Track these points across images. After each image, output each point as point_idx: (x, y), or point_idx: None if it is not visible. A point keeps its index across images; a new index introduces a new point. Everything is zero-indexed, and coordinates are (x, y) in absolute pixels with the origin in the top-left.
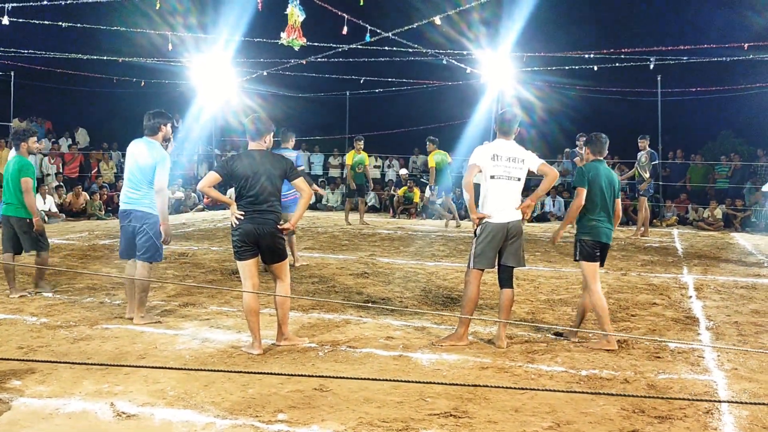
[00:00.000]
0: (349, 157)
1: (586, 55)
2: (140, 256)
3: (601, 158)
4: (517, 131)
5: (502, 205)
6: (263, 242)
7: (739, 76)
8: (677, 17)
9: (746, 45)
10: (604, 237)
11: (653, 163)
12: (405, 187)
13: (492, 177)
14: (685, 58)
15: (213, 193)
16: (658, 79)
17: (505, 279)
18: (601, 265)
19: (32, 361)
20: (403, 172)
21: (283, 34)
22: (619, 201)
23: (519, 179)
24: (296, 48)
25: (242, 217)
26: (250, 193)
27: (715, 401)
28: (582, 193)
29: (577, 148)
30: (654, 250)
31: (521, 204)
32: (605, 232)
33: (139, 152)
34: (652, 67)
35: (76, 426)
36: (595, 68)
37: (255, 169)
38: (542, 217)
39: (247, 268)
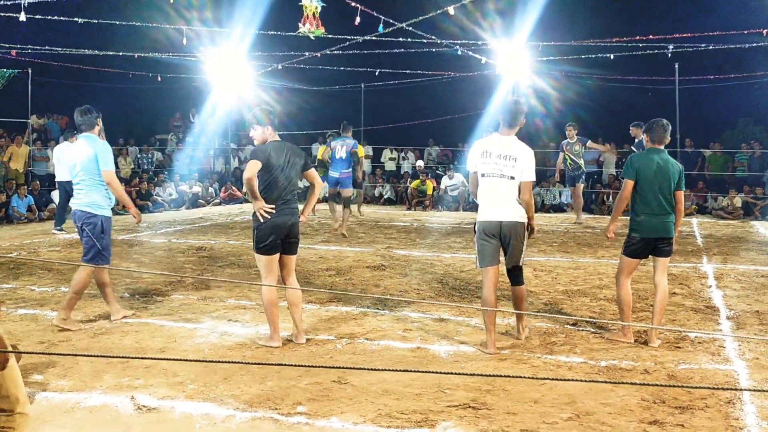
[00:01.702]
0: (321, 152)
1: (603, 44)
2: (83, 258)
3: (661, 147)
4: (522, 123)
5: (493, 203)
6: (292, 234)
7: (758, 63)
8: (694, 4)
9: (765, 31)
10: (652, 232)
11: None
12: (418, 180)
13: (483, 175)
14: (702, 45)
15: (255, 182)
16: (676, 66)
17: (511, 276)
18: (666, 255)
19: (53, 354)
20: (419, 164)
21: (300, 25)
22: (681, 194)
23: (512, 177)
24: (313, 37)
25: (273, 211)
26: (280, 184)
27: (736, 389)
28: (627, 185)
29: (568, 139)
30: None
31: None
32: (656, 226)
33: (80, 150)
34: (669, 55)
35: (97, 419)
36: (612, 57)
37: (284, 160)
38: (558, 208)
39: (274, 262)
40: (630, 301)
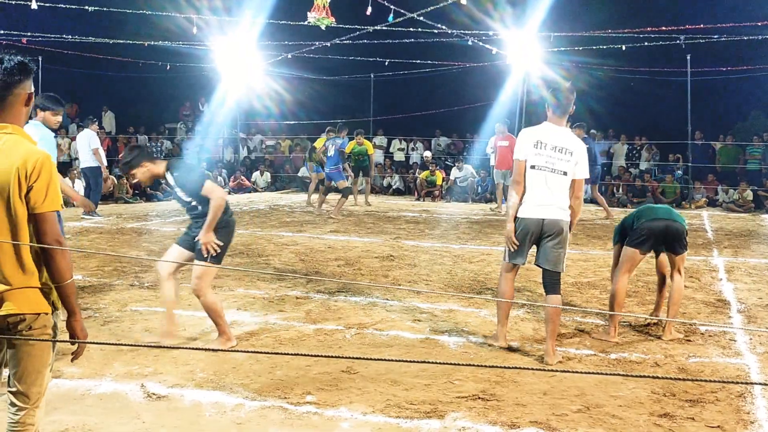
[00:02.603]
0: (318, 143)
1: (614, 35)
2: None
3: None
4: (572, 111)
5: (539, 199)
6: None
7: None
8: None
9: None
10: (660, 215)
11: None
12: (427, 171)
13: (532, 167)
14: (715, 36)
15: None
16: (688, 58)
17: (547, 284)
18: (678, 251)
19: (62, 342)
20: (427, 154)
21: (310, 14)
22: None
23: (565, 173)
24: (323, 27)
25: (221, 244)
26: None
27: (747, 383)
28: (616, 250)
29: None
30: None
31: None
32: (664, 214)
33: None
34: (683, 46)
35: (107, 407)
36: (623, 48)
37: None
38: None
39: None
40: (623, 299)
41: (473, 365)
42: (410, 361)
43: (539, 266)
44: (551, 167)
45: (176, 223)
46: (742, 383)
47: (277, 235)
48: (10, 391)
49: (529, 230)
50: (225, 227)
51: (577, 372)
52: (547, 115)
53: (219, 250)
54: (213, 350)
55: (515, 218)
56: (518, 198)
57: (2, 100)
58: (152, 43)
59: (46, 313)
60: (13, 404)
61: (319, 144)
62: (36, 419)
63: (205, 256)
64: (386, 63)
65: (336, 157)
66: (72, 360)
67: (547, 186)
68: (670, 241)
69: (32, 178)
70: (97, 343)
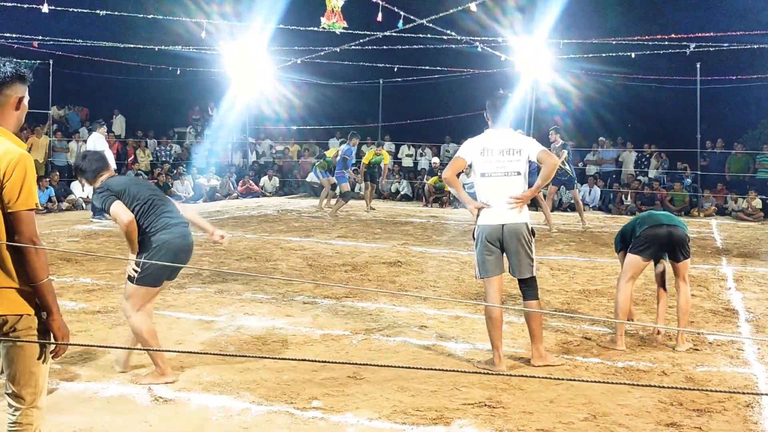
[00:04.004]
0: (330, 152)
1: (624, 42)
2: None
3: None
4: (511, 116)
5: (495, 205)
6: (188, 259)
7: None
8: (717, 2)
9: None
10: (662, 220)
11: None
12: (436, 177)
13: (483, 174)
14: (725, 45)
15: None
16: (698, 66)
17: (523, 290)
18: (681, 257)
19: (71, 345)
20: (435, 161)
21: (323, 19)
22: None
23: (518, 173)
24: (338, 32)
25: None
26: (164, 208)
27: (756, 393)
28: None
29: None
30: (692, 241)
31: (517, 196)
32: (664, 219)
33: None
34: (692, 54)
35: (114, 409)
36: (633, 55)
37: (146, 186)
38: (574, 208)
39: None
40: (628, 308)
41: (480, 372)
42: (417, 368)
43: (512, 275)
44: (503, 171)
45: None
46: (749, 393)
47: (285, 240)
48: (6, 393)
49: (492, 237)
50: (146, 248)
51: (584, 380)
52: (488, 125)
53: (138, 273)
54: (218, 354)
55: (476, 229)
56: (458, 188)
57: None
58: (162, 47)
59: (30, 315)
60: (10, 405)
61: (330, 153)
62: (34, 419)
63: (127, 279)
64: (395, 69)
65: (339, 162)
66: (53, 358)
67: (502, 191)
68: (673, 247)
69: (6, 177)
70: (104, 347)
